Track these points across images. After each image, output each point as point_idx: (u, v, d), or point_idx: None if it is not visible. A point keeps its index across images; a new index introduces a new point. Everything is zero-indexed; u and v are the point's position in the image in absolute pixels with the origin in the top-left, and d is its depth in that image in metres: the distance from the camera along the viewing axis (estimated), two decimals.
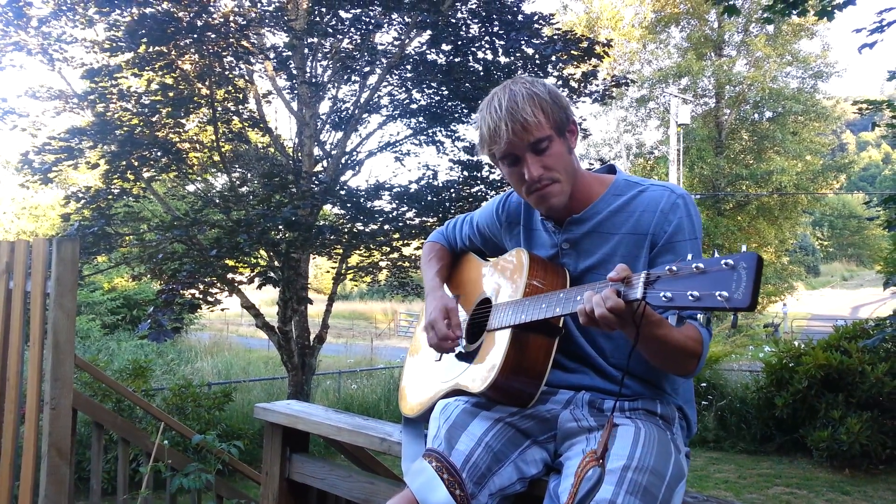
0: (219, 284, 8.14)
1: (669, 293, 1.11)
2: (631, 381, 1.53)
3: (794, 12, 6.51)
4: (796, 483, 7.90)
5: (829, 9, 6.12)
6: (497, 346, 1.52)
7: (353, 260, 9.80)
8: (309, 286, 9.38)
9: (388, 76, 9.20)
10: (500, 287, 1.66)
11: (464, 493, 1.42)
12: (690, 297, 1.08)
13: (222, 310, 8.39)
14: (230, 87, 8.41)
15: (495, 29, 8.56)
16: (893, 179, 61.02)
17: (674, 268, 1.13)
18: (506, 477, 1.48)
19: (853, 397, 8.32)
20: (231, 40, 7.65)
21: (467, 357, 1.64)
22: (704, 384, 9.83)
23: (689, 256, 1.13)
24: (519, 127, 1.44)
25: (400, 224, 8.74)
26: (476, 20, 8.67)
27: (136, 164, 8.06)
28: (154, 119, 8.09)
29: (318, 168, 9.27)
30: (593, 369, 1.56)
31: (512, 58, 8.84)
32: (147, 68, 7.86)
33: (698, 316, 1.12)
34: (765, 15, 6.68)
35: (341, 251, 9.05)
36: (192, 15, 7.34)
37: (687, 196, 1.51)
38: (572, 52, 8.40)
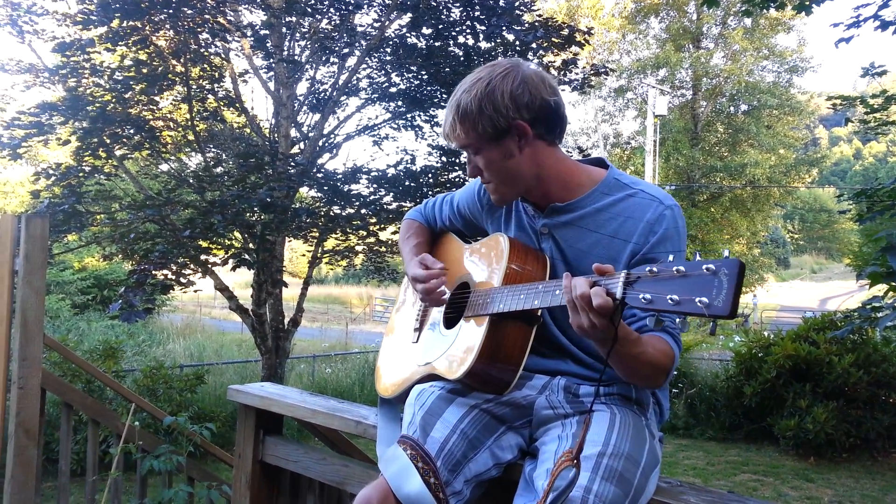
0: (192, 266, 8.03)
1: (649, 295, 1.09)
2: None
3: (773, 5, 6.55)
4: (763, 470, 8.06)
5: (808, 3, 6.17)
6: (474, 334, 1.51)
7: (330, 243, 9.73)
8: (284, 269, 9.30)
9: (367, 58, 9.11)
10: (479, 272, 1.64)
11: (438, 482, 1.42)
12: (670, 301, 1.05)
13: (195, 291, 8.29)
14: (205, 65, 8.28)
15: (476, 13, 8.50)
16: (864, 175, 62.09)
17: (654, 269, 1.10)
18: (481, 463, 1.48)
19: (820, 387, 8.49)
20: (207, 16, 7.51)
21: (444, 342, 1.63)
22: (675, 372, 9.94)
23: (671, 258, 1.11)
24: (446, 133, 1.53)
25: (377, 208, 8.69)
26: (457, 4, 8.60)
27: (108, 141, 7.90)
28: (127, 96, 7.93)
29: (295, 150, 9.17)
30: (569, 356, 1.56)
31: (493, 43, 8.80)
32: (120, 43, 7.68)
33: (677, 320, 1.10)
34: (744, 8, 6.71)
35: (317, 234, 8.98)
36: None
37: (675, 207, 1.48)
38: (553, 39, 8.38)
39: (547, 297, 1.35)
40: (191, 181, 8.61)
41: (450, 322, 1.66)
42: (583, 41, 8.73)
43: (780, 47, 25.48)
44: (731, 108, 26.29)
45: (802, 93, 26.53)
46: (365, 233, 9.07)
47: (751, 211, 25.26)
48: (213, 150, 9.92)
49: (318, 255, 9.48)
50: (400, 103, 9.75)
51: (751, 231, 25.97)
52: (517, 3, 8.30)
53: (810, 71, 25.59)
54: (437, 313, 1.73)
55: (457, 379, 1.50)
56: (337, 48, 9.06)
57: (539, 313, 1.49)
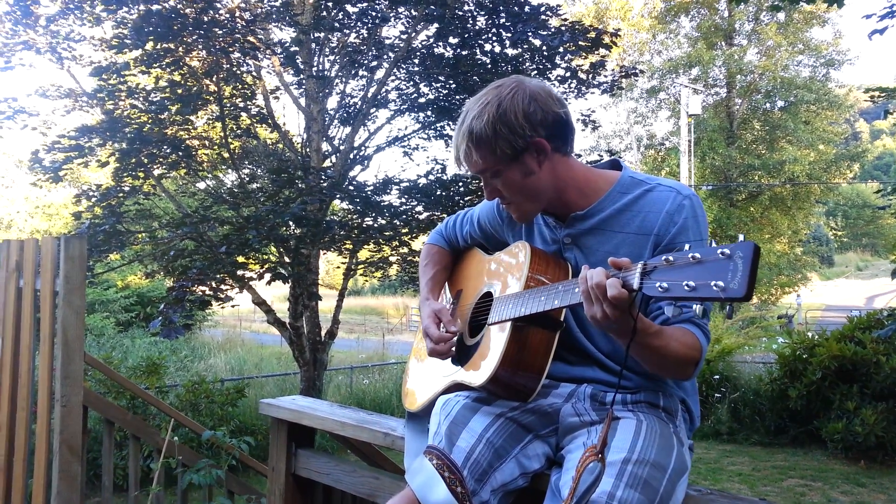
0: (229, 281, 8.16)
1: (666, 283, 1.09)
2: (633, 374, 1.51)
3: (803, 0, 6.43)
4: (811, 475, 7.84)
5: None
6: (496, 340, 1.50)
7: (363, 255, 9.80)
8: (320, 282, 9.39)
9: (395, 70, 9.18)
10: (501, 280, 1.64)
11: (465, 491, 1.41)
12: (686, 287, 1.05)
13: (233, 306, 8.41)
14: (238, 84, 8.41)
15: (502, 21, 8.51)
16: None
17: (670, 258, 1.11)
18: (507, 472, 1.47)
19: (868, 388, 8.24)
20: (237, 36, 7.65)
21: (468, 351, 1.63)
22: (717, 376, 9.77)
23: (687, 247, 1.11)
24: (459, 161, 1.52)
25: (408, 218, 8.73)
26: (483, 12, 8.63)
27: (145, 161, 8.08)
28: (163, 116, 8.11)
29: (327, 163, 9.27)
30: (595, 363, 1.55)
31: (520, 49, 8.80)
32: (155, 65, 7.86)
33: (695, 307, 1.09)
34: (774, 3, 6.60)
35: (351, 246, 9.06)
36: (197, 11, 7.34)
37: (694, 197, 1.49)
38: (580, 42, 8.35)
39: (567, 295, 1.35)
40: (227, 198, 8.76)
41: (474, 332, 1.66)
42: (610, 43, 8.67)
43: (815, 41, 24.99)
44: (767, 105, 25.83)
45: (840, 86, 26.01)
46: (397, 242, 9.12)
47: (791, 209, 24.75)
48: (247, 166, 10.09)
49: (353, 266, 9.55)
50: (429, 113, 9.79)
51: (792, 229, 25.44)
52: (543, 9, 8.28)
53: (847, 64, 25.05)
54: (462, 324, 1.73)
55: (480, 386, 1.50)
56: (365, 61, 9.15)
57: (562, 318, 1.49)
